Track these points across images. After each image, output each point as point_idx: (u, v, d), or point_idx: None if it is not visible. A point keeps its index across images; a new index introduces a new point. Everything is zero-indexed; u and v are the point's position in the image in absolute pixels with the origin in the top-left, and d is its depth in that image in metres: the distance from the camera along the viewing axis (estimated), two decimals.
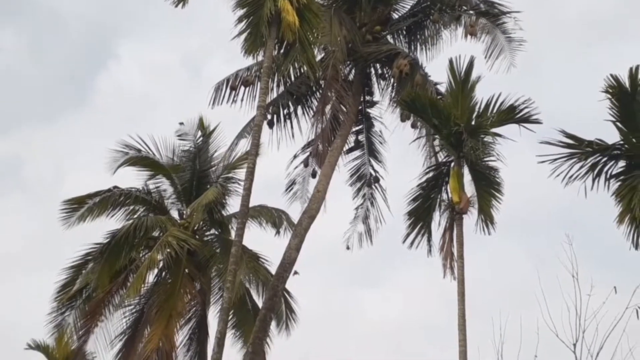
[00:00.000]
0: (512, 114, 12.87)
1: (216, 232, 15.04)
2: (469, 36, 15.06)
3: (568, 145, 12.69)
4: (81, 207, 14.09)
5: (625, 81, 12.32)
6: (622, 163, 12.75)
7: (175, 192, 15.13)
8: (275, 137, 15.49)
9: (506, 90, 13.06)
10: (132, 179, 15.03)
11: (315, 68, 13.67)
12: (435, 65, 15.76)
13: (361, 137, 16.35)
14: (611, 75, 12.27)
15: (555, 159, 12.60)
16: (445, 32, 15.78)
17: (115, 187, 14.46)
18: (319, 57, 14.79)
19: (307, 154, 15.94)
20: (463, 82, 13.19)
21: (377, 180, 16.27)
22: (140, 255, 14.31)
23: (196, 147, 15.31)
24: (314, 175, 15.54)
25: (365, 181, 16.39)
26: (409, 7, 16.28)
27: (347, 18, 15.34)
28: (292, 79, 15.33)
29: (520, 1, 15.53)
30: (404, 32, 16.26)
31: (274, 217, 15.26)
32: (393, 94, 15.84)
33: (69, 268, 14.28)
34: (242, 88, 15.11)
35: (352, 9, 15.74)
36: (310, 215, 14.02)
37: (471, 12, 15.34)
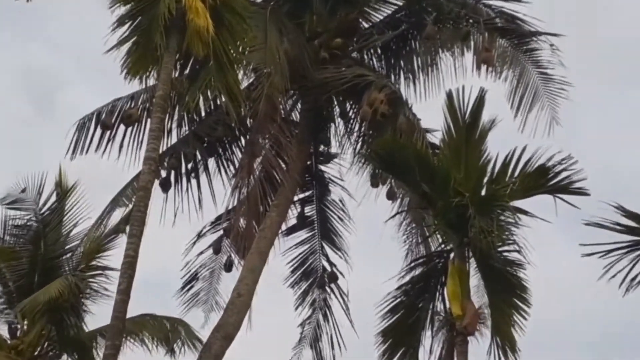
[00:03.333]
0: (543, 180, 12.85)
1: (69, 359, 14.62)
2: (482, 66, 15.29)
3: (629, 231, 12.69)
4: None
5: None
6: None
7: (4, 294, 14.89)
8: (172, 206, 15.93)
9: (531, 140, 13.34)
10: None
11: (240, 100, 13.94)
12: (429, 106, 16.02)
13: (310, 210, 16.80)
14: None
15: (609, 251, 12.61)
16: (445, 55, 16.21)
17: None
18: (245, 84, 15.30)
19: (220, 233, 16.17)
20: (469, 128, 13.23)
21: (334, 278, 16.70)
22: None
23: (41, 220, 15.05)
24: (228, 267, 16.00)
25: (316, 280, 16.85)
26: (388, 12, 16.71)
27: (290, 25, 15.67)
28: (203, 115, 15.74)
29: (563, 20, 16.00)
30: (380, 52, 16.78)
31: (165, 331, 15.27)
32: (360, 144, 16.30)
33: None
34: (122, 127, 15.51)
35: (298, 11, 16.12)
36: (225, 334, 14.07)
37: (484, 28, 15.52)
